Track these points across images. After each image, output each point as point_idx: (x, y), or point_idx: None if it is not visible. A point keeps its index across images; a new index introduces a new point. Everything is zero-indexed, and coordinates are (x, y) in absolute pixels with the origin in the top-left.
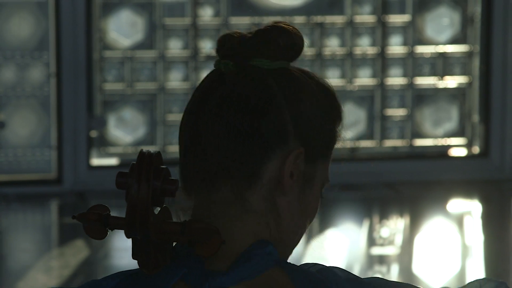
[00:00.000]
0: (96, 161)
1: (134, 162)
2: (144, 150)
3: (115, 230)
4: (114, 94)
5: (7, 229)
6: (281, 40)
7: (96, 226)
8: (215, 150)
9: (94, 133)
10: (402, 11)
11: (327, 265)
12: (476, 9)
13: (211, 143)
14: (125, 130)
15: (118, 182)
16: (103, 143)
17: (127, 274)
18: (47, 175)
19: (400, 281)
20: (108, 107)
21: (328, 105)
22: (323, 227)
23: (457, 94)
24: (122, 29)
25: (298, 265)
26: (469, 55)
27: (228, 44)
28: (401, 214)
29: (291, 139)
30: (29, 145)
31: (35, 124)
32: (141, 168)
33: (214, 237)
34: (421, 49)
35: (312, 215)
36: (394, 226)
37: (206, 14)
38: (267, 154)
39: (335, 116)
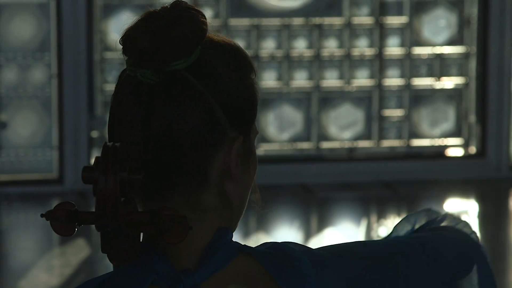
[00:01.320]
0: None
1: (99, 156)
2: (107, 143)
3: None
4: None
5: (9, 228)
6: (189, 31)
7: (65, 223)
8: (163, 164)
9: (95, 133)
10: (399, 13)
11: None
12: (473, 11)
13: (157, 157)
14: None
15: (84, 177)
16: (103, 143)
17: (96, 283)
18: (49, 175)
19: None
20: (109, 108)
21: (243, 69)
22: (321, 226)
23: (454, 95)
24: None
25: (256, 246)
26: (465, 56)
27: (138, 46)
28: (399, 214)
29: (228, 130)
30: (31, 145)
31: (37, 125)
32: (107, 160)
33: (182, 223)
34: (418, 50)
35: (255, 171)
36: (392, 225)
37: (206, 15)
38: (212, 155)
39: (251, 73)
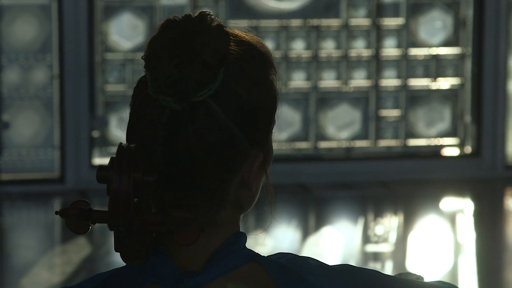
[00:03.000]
0: (98, 161)
1: (114, 156)
2: (122, 144)
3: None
4: (116, 95)
5: (12, 226)
6: (215, 55)
7: (78, 221)
8: (183, 183)
9: (96, 133)
10: (396, 14)
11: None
12: (468, 12)
13: (176, 177)
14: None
15: (98, 176)
16: (104, 143)
17: (101, 280)
18: (50, 174)
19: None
20: (110, 108)
21: (264, 75)
22: (319, 224)
23: (449, 95)
24: (123, 32)
25: (270, 255)
26: (461, 57)
27: (163, 73)
28: (395, 212)
29: (249, 150)
30: (33, 145)
31: (39, 125)
32: (121, 161)
33: (193, 225)
34: (415, 51)
35: (268, 170)
36: (388, 224)
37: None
38: (232, 178)
39: (271, 73)
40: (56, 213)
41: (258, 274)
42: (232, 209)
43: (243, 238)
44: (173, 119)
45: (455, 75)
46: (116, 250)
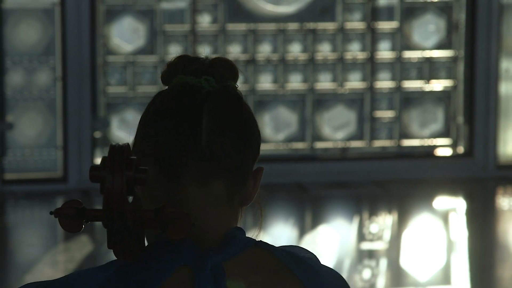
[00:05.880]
0: (100, 161)
1: (106, 156)
2: (114, 143)
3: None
4: (117, 96)
5: (16, 225)
6: (236, 66)
7: (73, 220)
8: (221, 152)
9: (98, 134)
10: (390, 18)
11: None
12: (461, 16)
13: (215, 146)
14: (127, 131)
15: (92, 176)
16: (106, 143)
17: (120, 264)
18: (53, 174)
19: (389, 275)
20: (111, 109)
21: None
22: (315, 223)
23: (442, 96)
24: (125, 35)
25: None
26: (454, 59)
27: (198, 63)
28: (390, 211)
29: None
30: (36, 145)
31: (42, 125)
32: (114, 160)
33: (184, 220)
34: (409, 54)
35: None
36: (383, 222)
37: (205, 21)
38: (252, 164)
39: None
40: (51, 213)
41: (264, 255)
42: (238, 205)
43: (244, 231)
44: (210, 106)
45: (448, 77)
46: (109, 247)
